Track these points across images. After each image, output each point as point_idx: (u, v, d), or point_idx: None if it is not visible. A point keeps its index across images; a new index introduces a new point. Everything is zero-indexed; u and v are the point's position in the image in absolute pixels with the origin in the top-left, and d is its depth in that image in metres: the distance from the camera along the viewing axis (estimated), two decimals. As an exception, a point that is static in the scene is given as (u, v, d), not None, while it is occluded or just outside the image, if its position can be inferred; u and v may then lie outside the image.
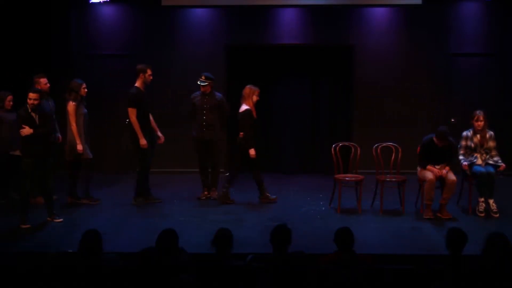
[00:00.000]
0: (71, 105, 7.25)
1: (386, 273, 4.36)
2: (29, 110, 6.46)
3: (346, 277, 4.13)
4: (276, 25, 9.54)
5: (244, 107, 7.41)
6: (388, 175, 7.28)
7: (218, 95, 7.77)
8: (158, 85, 8.65)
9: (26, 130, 6.41)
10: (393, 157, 7.29)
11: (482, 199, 6.90)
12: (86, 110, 7.40)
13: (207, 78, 7.59)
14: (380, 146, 7.40)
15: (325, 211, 7.18)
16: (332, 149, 7.32)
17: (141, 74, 7.34)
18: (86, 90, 7.36)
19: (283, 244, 4.38)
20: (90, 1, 9.30)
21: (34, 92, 6.49)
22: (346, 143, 7.47)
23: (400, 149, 7.33)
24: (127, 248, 5.48)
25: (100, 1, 9.31)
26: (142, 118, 7.30)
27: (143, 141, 7.25)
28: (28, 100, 6.45)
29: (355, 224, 6.02)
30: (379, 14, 9.50)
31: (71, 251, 5.15)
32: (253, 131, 7.41)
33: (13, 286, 4.07)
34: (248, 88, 7.43)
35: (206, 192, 7.78)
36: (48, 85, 7.43)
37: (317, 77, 9.80)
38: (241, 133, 7.41)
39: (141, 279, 3.94)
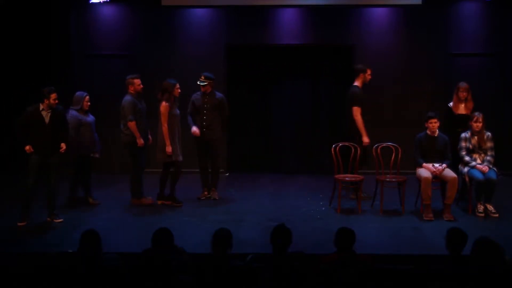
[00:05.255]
0: (164, 106, 7.17)
1: (386, 273, 4.36)
2: (40, 109, 6.47)
3: (346, 277, 4.13)
4: (276, 25, 9.54)
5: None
6: (388, 175, 7.28)
7: (219, 94, 7.76)
8: (158, 85, 8.62)
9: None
10: (393, 157, 7.29)
11: (480, 203, 6.91)
12: (178, 111, 7.32)
13: (206, 78, 7.59)
14: (380, 146, 7.40)
15: (325, 211, 7.17)
16: (332, 149, 7.32)
17: (361, 74, 7.74)
18: (179, 90, 7.28)
19: (283, 244, 4.37)
20: (90, 1, 9.30)
21: (54, 92, 6.48)
22: (346, 143, 7.47)
23: (400, 149, 7.33)
24: (127, 248, 5.49)
25: (100, 1, 9.31)
26: (363, 117, 7.65)
27: (366, 139, 7.54)
28: (52, 101, 6.45)
29: (355, 224, 6.01)
30: (379, 14, 9.49)
31: (71, 251, 5.16)
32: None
33: (13, 286, 4.07)
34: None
35: (206, 192, 7.78)
36: (142, 86, 7.36)
37: (317, 77, 9.81)
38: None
39: (141, 279, 3.94)
